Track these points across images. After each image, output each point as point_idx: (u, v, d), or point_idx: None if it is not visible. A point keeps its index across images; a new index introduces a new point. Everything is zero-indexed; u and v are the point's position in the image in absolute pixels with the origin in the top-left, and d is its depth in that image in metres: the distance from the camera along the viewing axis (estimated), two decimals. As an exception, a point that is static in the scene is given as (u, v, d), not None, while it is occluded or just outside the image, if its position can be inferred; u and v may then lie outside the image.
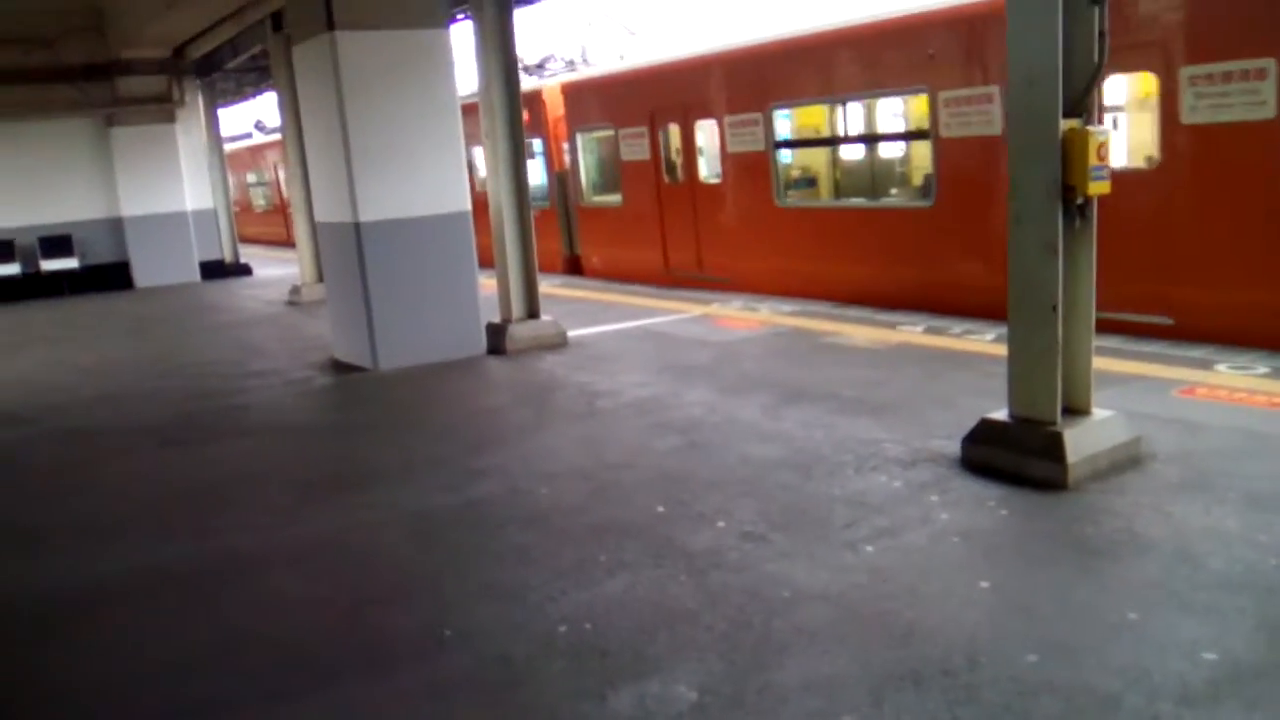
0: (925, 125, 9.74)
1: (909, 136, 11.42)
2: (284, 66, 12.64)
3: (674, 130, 12.69)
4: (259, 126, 29.86)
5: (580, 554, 4.30)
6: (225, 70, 18.61)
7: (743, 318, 9.63)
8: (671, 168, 12.91)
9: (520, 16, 10.12)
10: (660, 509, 4.75)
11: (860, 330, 8.54)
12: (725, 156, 11.94)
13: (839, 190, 12.30)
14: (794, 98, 11.20)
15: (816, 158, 12.44)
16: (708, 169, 12.58)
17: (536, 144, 15.35)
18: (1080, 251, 4.75)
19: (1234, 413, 5.51)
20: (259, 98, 27.20)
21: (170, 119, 17.36)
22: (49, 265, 16.93)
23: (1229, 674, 3.02)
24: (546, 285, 10.50)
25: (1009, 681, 3.04)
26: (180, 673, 3.62)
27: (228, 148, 29.33)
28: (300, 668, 3.58)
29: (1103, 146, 4.53)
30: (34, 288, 16.76)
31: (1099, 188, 4.57)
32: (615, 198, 14.16)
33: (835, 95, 10.92)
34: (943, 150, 9.35)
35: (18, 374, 10.13)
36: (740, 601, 3.72)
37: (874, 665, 3.19)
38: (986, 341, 7.66)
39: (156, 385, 9.03)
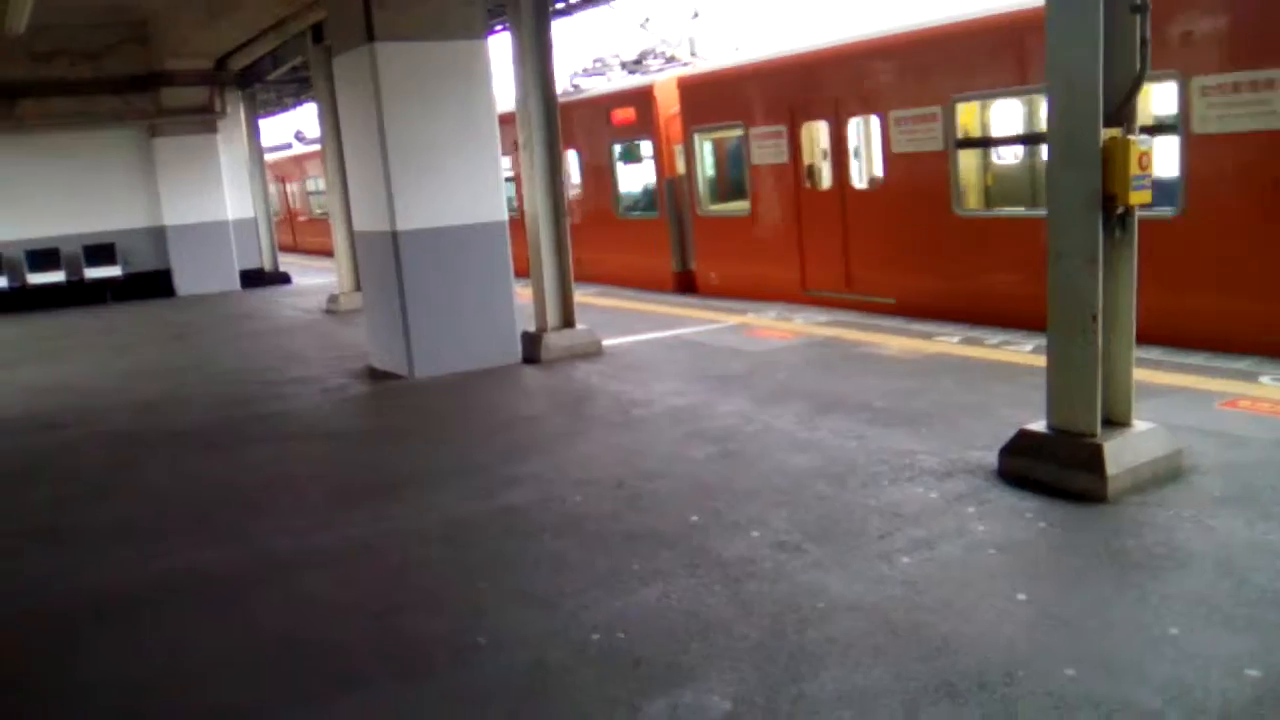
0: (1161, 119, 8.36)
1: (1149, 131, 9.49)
2: (324, 78, 12.79)
3: (819, 128, 11.19)
4: (299, 137, 30.23)
5: (614, 562, 4.30)
6: (266, 81, 18.94)
7: (777, 328, 9.60)
8: (813, 172, 11.36)
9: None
10: (694, 518, 4.74)
11: (895, 340, 8.48)
12: (889, 158, 10.36)
13: (989, 200, 10.85)
14: (986, 88, 9.55)
15: (964, 161, 10.53)
16: (858, 172, 11.20)
17: (646, 146, 14.02)
18: (1121, 261, 4.70)
19: (1278, 426, 5.41)
20: (299, 108, 27.63)
21: (212, 129, 17.63)
22: (92, 273, 17.24)
23: (1273, 691, 2.96)
24: (591, 299, 10.50)
25: (1046, 696, 3.00)
26: (215, 675, 3.66)
27: (283, 155, 29.83)
28: (334, 671, 3.60)
29: (1144, 156, 4.49)
30: (78, 295, 17.07)
31: (1140, 197, 4.53)
32: (741, 205, 12.52)
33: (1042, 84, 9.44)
34: (1197, 148, 7.55)
35: (60, 379, 10.30)
36: (774, 611, 3.70)
37: (909, 678, 3.16)
38: (1024, 353, 7.59)
39: (196, 391, 9.17)
